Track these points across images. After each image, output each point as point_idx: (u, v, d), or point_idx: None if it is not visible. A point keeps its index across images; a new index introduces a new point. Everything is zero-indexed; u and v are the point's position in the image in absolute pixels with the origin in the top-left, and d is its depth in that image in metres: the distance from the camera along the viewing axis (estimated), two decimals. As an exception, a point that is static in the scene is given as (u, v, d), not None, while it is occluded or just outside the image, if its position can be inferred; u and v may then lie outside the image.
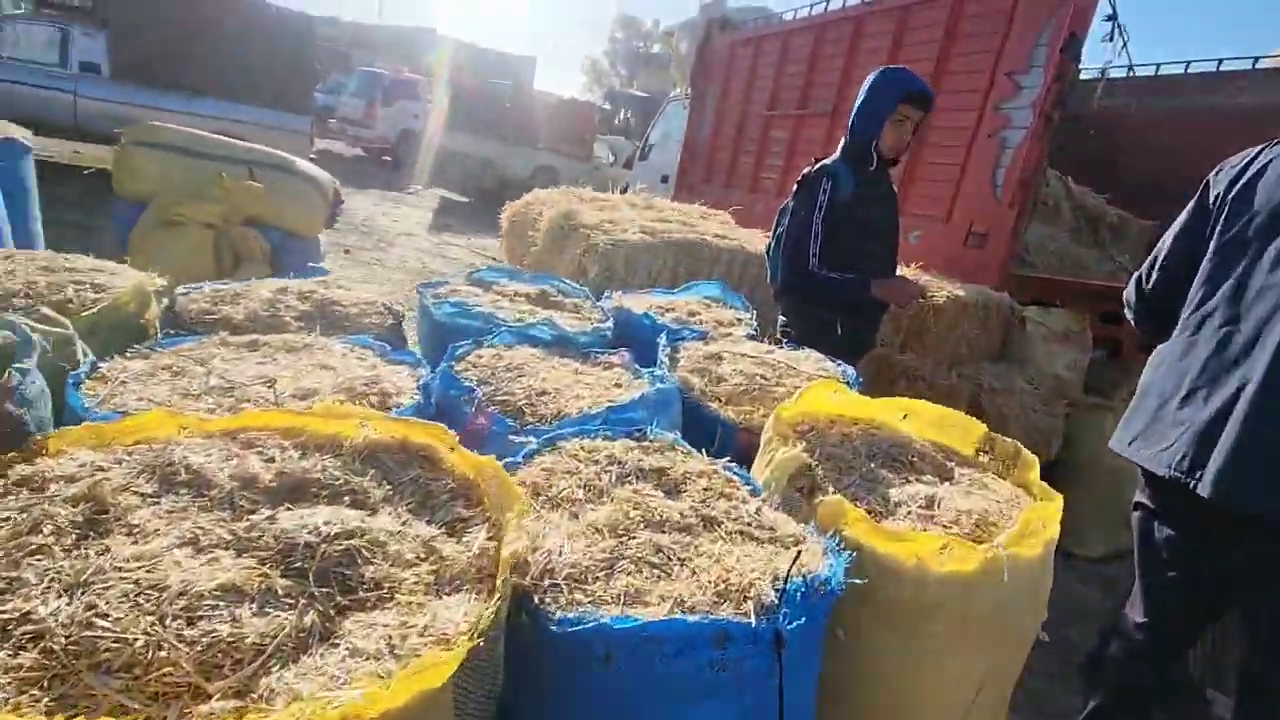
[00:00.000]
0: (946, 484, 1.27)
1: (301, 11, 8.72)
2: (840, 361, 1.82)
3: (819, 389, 1.44)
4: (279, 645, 0.60)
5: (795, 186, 2.13)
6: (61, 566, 0.62)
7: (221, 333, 1.38)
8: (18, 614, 0.57)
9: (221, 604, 0.62)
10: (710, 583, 0.86)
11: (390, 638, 0.63)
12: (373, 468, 0.89)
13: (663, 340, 1.78)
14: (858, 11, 4.07)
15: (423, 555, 0.76)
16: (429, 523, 0.83)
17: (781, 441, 1.30)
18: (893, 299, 2.14)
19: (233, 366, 1.21)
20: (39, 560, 0.63)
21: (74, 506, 0.70)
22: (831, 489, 1.19)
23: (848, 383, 1.68)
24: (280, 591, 0.65)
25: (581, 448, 1.15)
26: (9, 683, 0.52)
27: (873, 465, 1.29)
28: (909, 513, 1.16)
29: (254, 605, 0.63)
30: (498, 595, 0.70)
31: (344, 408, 0.97)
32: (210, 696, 0.55)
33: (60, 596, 0.59)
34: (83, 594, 0.60)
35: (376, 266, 5.97)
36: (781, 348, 1.92)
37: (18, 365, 1.02)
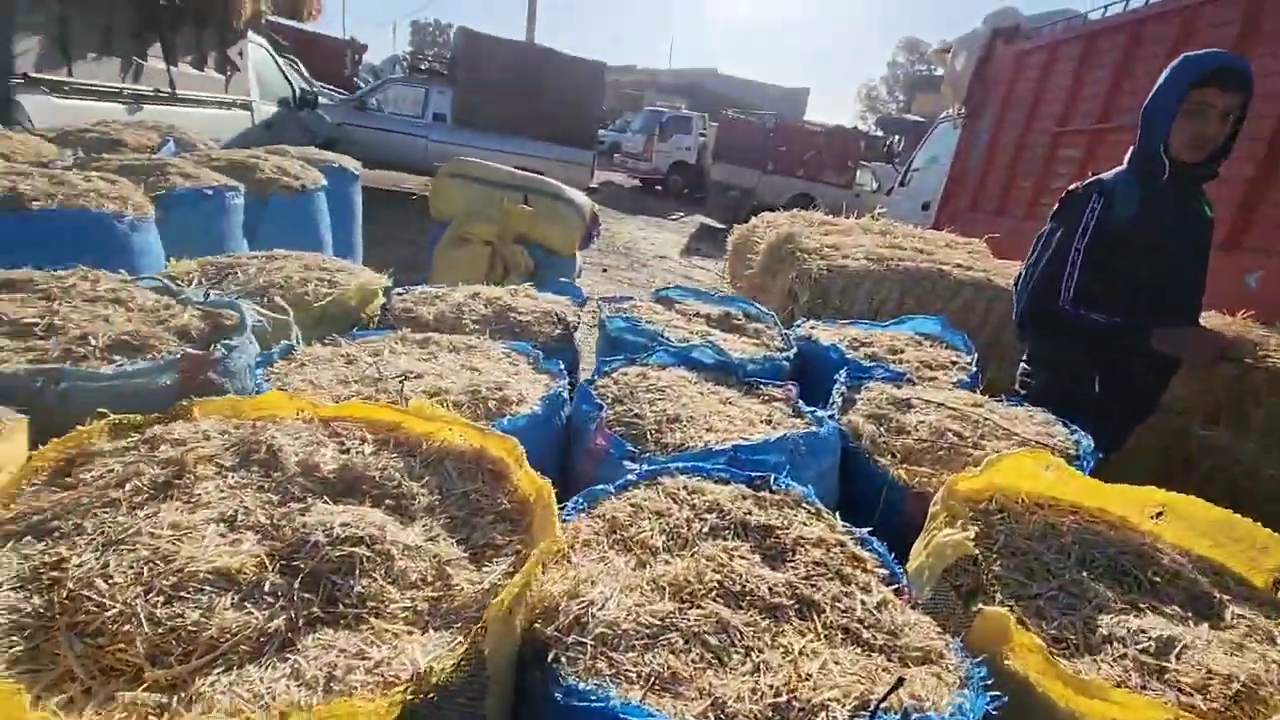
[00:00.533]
0: (1204, 625, 0.87)
1: (596, 60, 9.72)
2: (1079, 429, 1.38)
3: (1023, 459, 1.10)
4: (234, 645, 0.57)
5: (1057, 205, 1.68)
6: (117, 522, 0.67)
7: (405, 329, 1.51)
8: (55, 559, 0.62)
9: (207, 588, 0.61)
10: (770, 689, 0.66)
11: (335, 666, 0.57)
12: (434, 474, 0.85)
13: (841, 377, 1.53)
14: (1193, 0, 3.24)
15: (430, 578, 0.69)
16: (460, 543, 0.76)
17: (948, 520, 1.00)
18: (1183, 354, 1.58)
19: (394, 360, 1.29)
20: (104, 512, 0.69)
21: (161, 469, 0.76)
22: (1002, 596, 0.87)
23: (1078, 457, 1.27)
24: (267, 588, 0.63)
25: (683, 487, 1.00)
26: (1, 624, 0.55)
27: (1084, 576, 0.94)
28: (1124, 656, 0.81)
29: (235, 596, 0.61)
30: (470, 643, 0.60)
31: (434, 410, 0.95)
32: (143, 684, 0.53)
33: (94, 551, 0.63)
34: (110, 552, 0.63)
35: (626, 285, 6.33)
36: (1002, 401, 1.53)
37: (225, 341, 1.19)
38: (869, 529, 0.98)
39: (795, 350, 1.75)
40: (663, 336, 1.65)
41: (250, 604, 0.61)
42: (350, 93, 11.12)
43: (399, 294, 1.77)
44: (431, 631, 0.64)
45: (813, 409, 1.37)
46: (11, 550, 0.63)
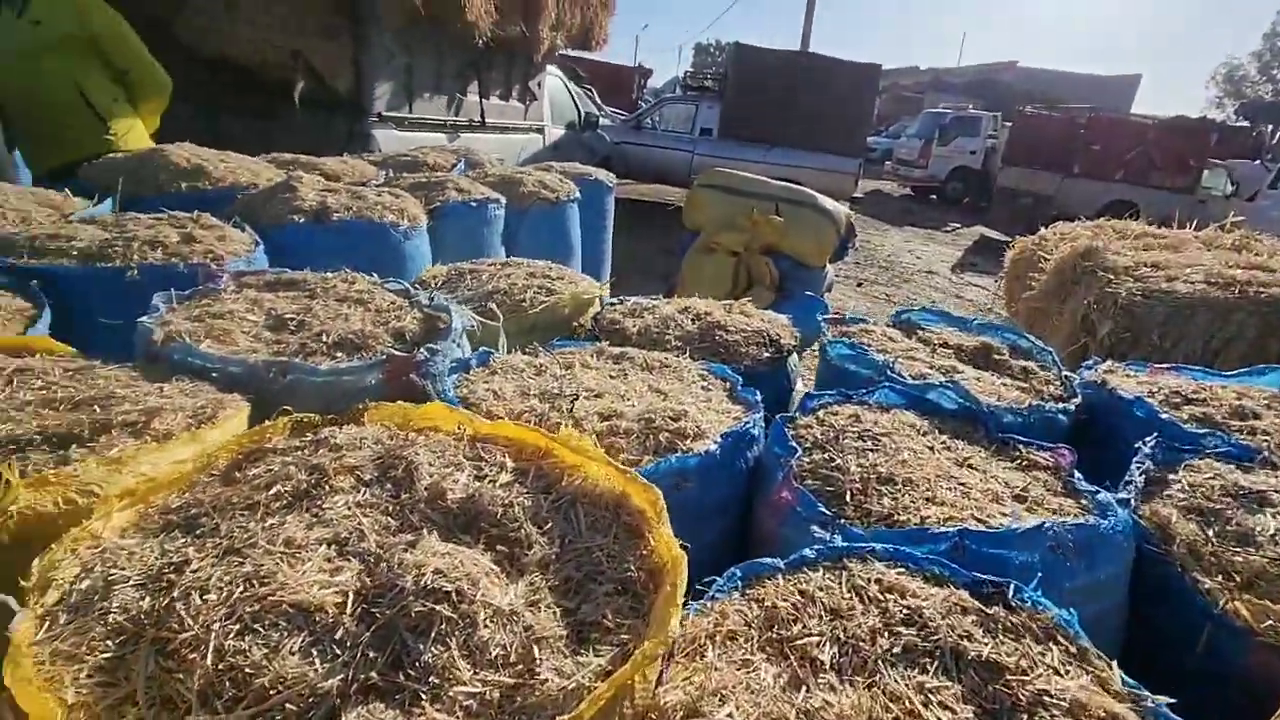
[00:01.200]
0: None
1: (869, 63, 9.12)
2: None
3: None
4: (281, 702, 0.50)
5: None
6: (245, 528, 0.66)
7: (604, 342, 1.44)
8: (180, 560, 0.62)
9: (282, 624, 0.55)
10: None
11: (361, 760, 0.46)
12: (561, 520, 0.73)
13: (1147, 446, 1.10)
14: None
15: (512, 659, 0.56)
16: (565, 614, 0.62)
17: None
18: None
19: (581, 375, 1.22)
20: (242, 515, 0.68)
21: (307, 475, 0.75)
22: None
23: None
24: (339, 634, 0.56)
25: (877, 579, 0.75)
26: (99, 632, 0.55)
27: None
28: None
29: (306, 638, 0.55)
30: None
31: (582, 442, 0.83)
32: (183, 727, 0.48)
33: (212, 559, 0.62)
34: (223, 563, 0.61)
35: (882, 301, 5.77)
36: None
37: (429, 345, 1.22)
38: (1171, 700, 0.63)
39: (1079, 401, 1.32)
40: (892, 369, 1.36)
41: (316, 651, 0.54)
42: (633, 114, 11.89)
43: (612, 304, 1.72)
44: (492, 734, 0.51)
45: (1095, 488, 0.99)
46: (157, 542, 0.65)
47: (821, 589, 0.74)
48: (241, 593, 0.57)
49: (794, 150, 9.10)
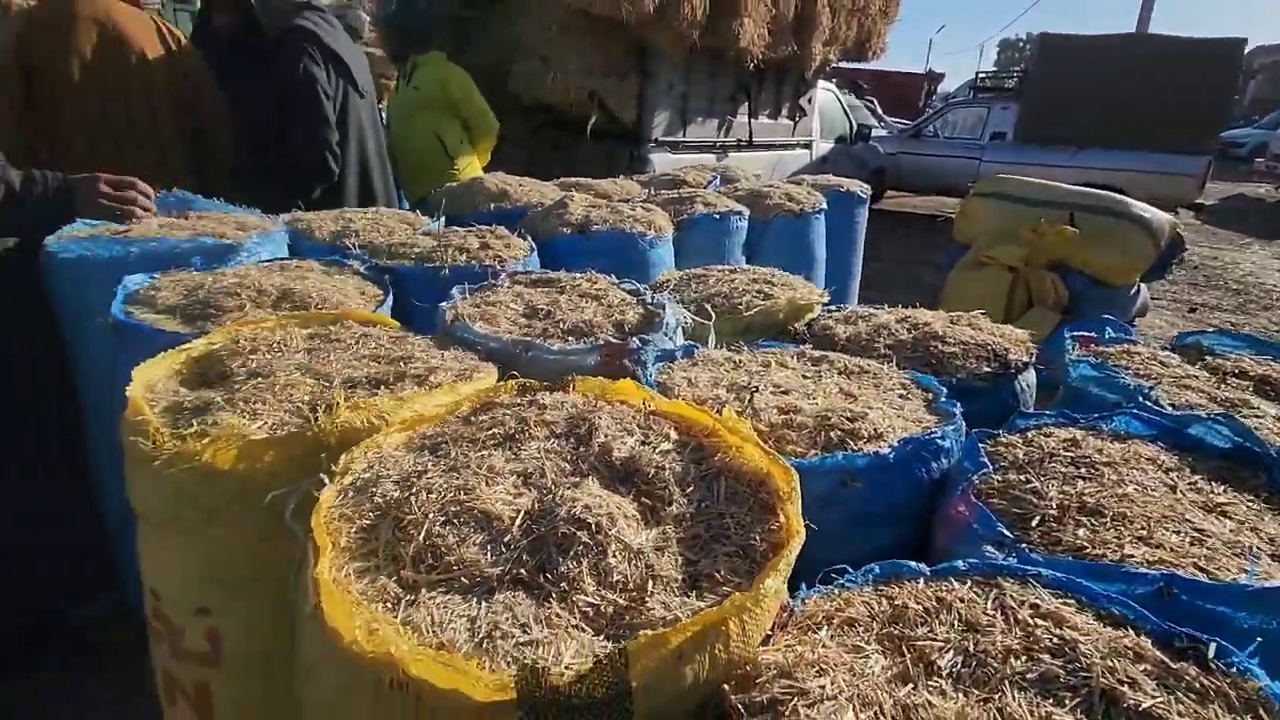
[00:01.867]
0: None
1: (1232, 39, 7.29)
2: None
3: None
4: (459, 575, 0.67)
5: None
6: (467, 455, 0.86)
7: (805, 346, 1.45)
8: (422, 469, 0.83)
9: (472, 524, 0.72)
10: None
11: (496, 627, 0.60)
12: (703, 486, 0.80)
13: None
14: None
15: (630, 586, 0.66)
16: (686, 564, 0.70)
17: None
18: None
19: (771, 374, 1.26)
20: (468, 445, 0.88)
21: (516, 424, 0.93)
22: None
23: None
24: (507, 539, 0.71)
25: (1033, 604, 0.68)
26: (366, 507, 0.77)
27: None
28: None
29: (484, 536, 0.71)
30: (609, 665, 0.54)
31: (739, 423, 0.89)
32: (396, 577, 0.67)
33: (440, 471, 0.82)
34: (448, 474, 0.81)
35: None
36: None
37: (641, 335, 1.37)
38: None
39: None
40: (1146, 396, 1.14)
41: (489, 547, 0.70)
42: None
43: (828, 311, 1.71)
44: (600, 638, 0.61)
45: None
46: (412, 456, 0.88)
47: (963, 600, 0.70)
48: (451, 497, 0.76)
49: (1113, 151, 7.69)
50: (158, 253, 1.65)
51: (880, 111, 14.06)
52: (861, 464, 0.95)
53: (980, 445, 1.02)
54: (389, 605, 0.64)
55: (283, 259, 1.82)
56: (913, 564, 0.77)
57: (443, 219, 2.32)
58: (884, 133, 10.15)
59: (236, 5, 2.86)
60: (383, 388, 1.08)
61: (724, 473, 0.83)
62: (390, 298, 1.64)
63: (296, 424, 0.97)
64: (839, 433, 1.02)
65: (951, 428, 1.06)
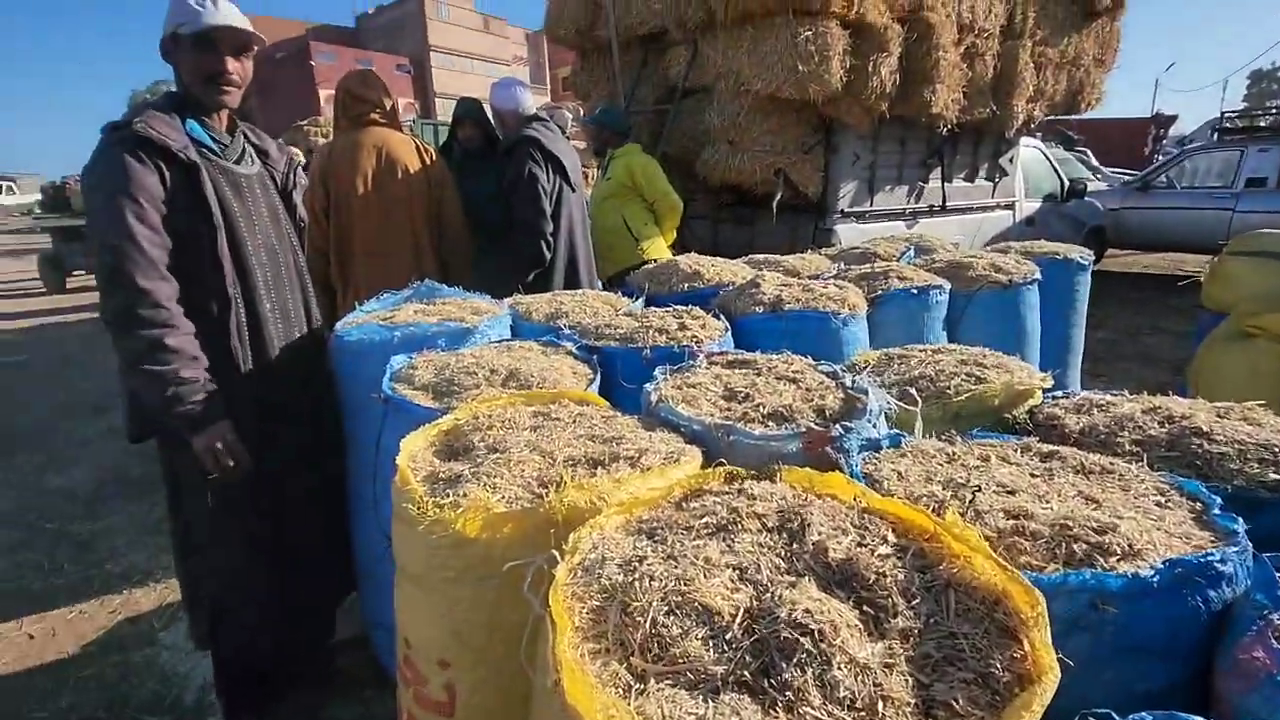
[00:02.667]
0: None
1: None
2: None
3: None
4: (683, 670, 0.69)
5: None
6: (683, 543, 0.89)
7: (1032, 438, 1.31)
8: (642, 554, 0.88)
9: (694, 616, 0.75)
10: None
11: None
12: (930, 599, 0.75)
13: None
14: None
15: (857, 705, 0.63)
16: (916, 688, 0.65)
17: None
18: None
19: (992, 471, 1.16)
20: (684, 533, 0.92)
21: (728, 513, 0.95)
22: None
23: None
24: (728, 636, 0.72)
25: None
26: (594, 588, 0.83)
27: None
28: None
29: (706, 631, 0.73)
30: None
31: (966, 531, 0.83)
32: (627, 664, 0.71)
33: (659, 558, 0.87)
34: (667, 563, 0.85)
35: None
36: None
37: (845, 422, 1.34)
38: None
39: None
40: None
41: (712, 643, 0.72)
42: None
43: (1054, 397, 1.54)
44: (829, 755, 0.60)
45: None
46: (632, 539, 0.93)
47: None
48: (672, 586, 0.79)
49: None
50: (414, 336, 1.96)
51: (1095, 162, 12.66)
52: (1116, 586, 0.84)
53: (1278, 574, 0.85)
54: (621, 691, 0.68)
55: (508, 340, 2.06)
56: (1196, 719, 0.65)
57: (641, 300, 2.48)
58: (1102, 186, 9.09)
59: (478, 123, 3.42)
60: (599, 468, 1.17)
61: (952, 585, 0.77)
62: (598, 377, 1.78)
63: (529, 499, 1.08)
64: (1084, 546, 0.90)
65: (1234, 549, 0.90)
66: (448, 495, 1.07)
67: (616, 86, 5.38)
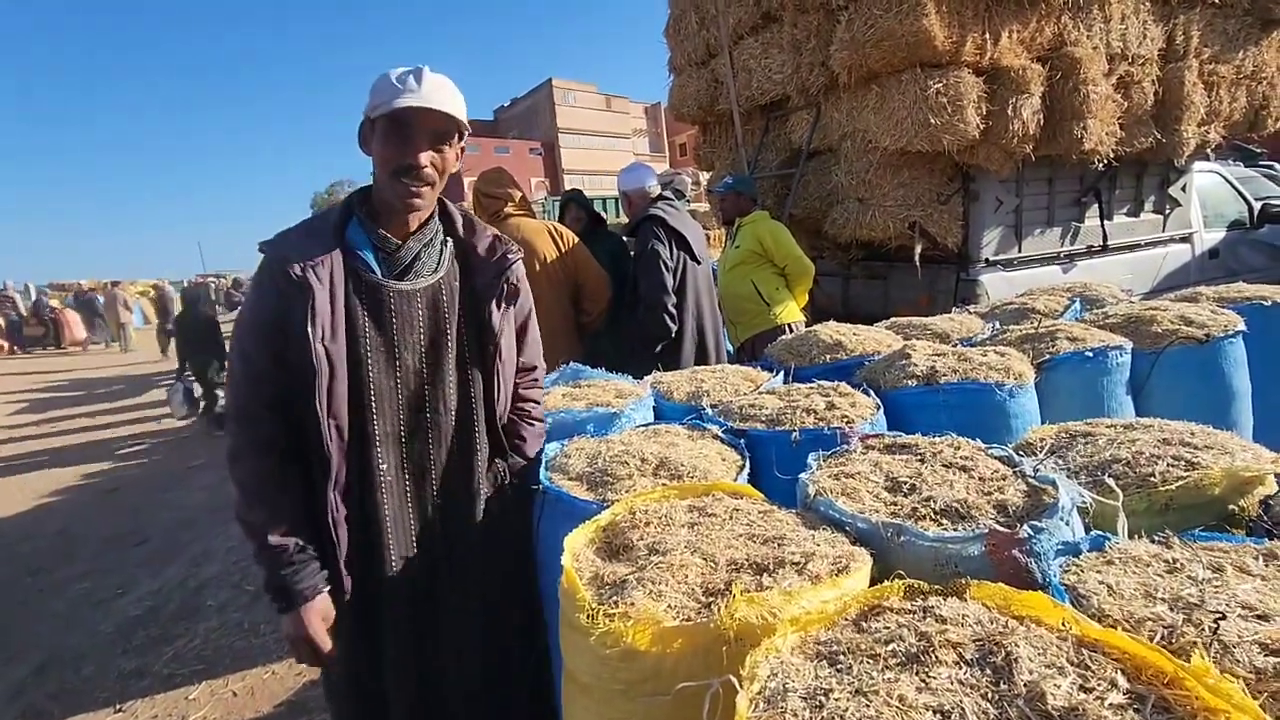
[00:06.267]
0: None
1: None
2: None
3: None
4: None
5: None
6: (870, 674, 0.83)
7: (1277, 543, 1.11)
8: (829, 687, 0.83)
9: (896, 770, 0.69)
10: None
11: None
12: (1190, 773, 0.64)
13: None
14: None
15: None
16: None
17: None
18: None
19: (1230, 585, 0.99)
20: (868, 662, 0.86)
21: (917, 639, 0.88)
22: None
23: None
24: (941, 800, 0.65)
25: None
26: None
27: None
28: None
29: (914, 791, 0.66)
30: None
31: (1224, 684, 0.70)
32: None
33: (848, 692, 0.81)
34: (856, 699, 0.79)
35: None
36: None
37: (1034, 522, 1.21)
38: None
39: None
40: None
41: (922, 807, 0.65)
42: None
43: (1292, 488, 1.30)
44: None
45: None
46: (812, 664, 0.88)
47: None
48: (867, 731, 0.74)
49: None
50: (565, 422, 2.04)
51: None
52: None
53: None
54: None
55: (653, 424, 2.09)
56: None
57: (781, 375, 2.44)
58: (1305, 204, 7.85)
59: (581, 205, 3.75)
60: (764, 574, 1.13)
61: (1215, 755, 0.66)
62: (747, 463, 1.75)
63: (694, 608, 1.06)
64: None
65: None
66: (615, 603, 1.08)
67: (740, 155, 5.49)
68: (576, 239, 3.33)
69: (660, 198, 3.51)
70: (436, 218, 1.55)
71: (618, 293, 3.38)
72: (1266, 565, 1.06)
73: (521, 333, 1.70)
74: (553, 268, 3.20)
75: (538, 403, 1.83)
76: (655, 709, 1.01)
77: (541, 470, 1.76)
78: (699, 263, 3.41)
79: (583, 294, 3.29)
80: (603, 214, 3.89)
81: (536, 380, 1.81)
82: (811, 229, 5.05)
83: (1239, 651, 0.85)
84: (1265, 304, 2.60)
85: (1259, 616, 0.92)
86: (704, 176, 8.82)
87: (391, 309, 1.44)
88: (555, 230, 3.29)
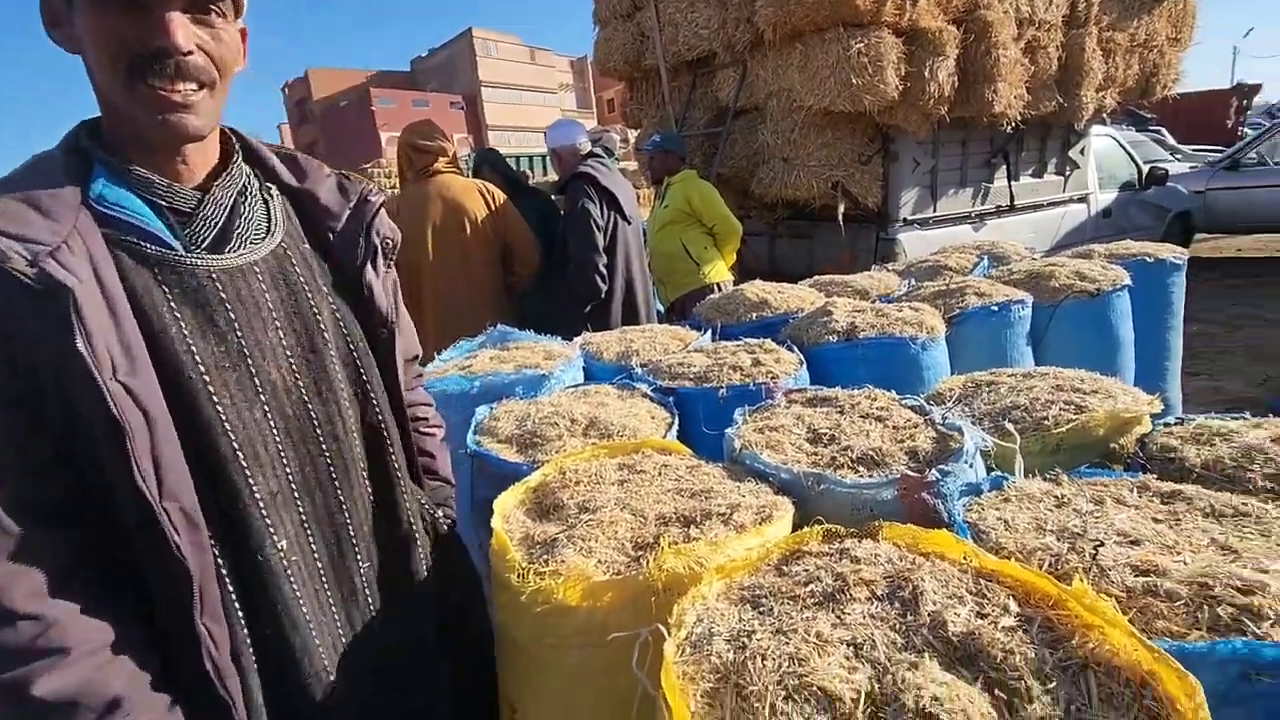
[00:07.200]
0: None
1: None
2: None
3: None
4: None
5: None
6: (789, 614, 0.87)
7: (1150, 475, 1.23)
8: (751, 629, 0.87)
9: (812, 702, 0.73)
10: None
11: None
12: (1071, 683, 0.71)
13: None
14: None
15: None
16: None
17: None
18: None
19: (1110, 516, 1.09)
20: (789, 603, 0.90)
21: (833, 580, 0.93)
22: None
23: None
24: (853, 724, 0.70)
25: None
26: (705, 667, 0.82)
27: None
28: None
29: (825, 717, 0.71)
30: None
31: (1099, 602, 0.77)
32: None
33: (768, 632, 0.85)
34: (776, 638, 0.83)
35: None
36: None
37: (941, 466, 1.29)
38: None
39: None
40: None
41: (835, 733, 0.69)
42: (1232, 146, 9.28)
43: (1167, 426, 1.44)
44: None
45: None
46: (736, 609, 0.92)
47: None
48: (787, 667, 0.77)
49: None
50: (493, 385, 2.01)
51: (1172, 142, 11.90)
52: (1272, 655, 0.77)
53: None
54: (748, 786, 0.66)
55: (583, 384, 2.08)
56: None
57: (709, 333, 2.47)
58: (1184, 168, 8.52)
59: (495, 168, 3.64)
60: (693, 526, 1.16)
61: (1091, 665, 0.73)
62: (676, 421, 1.77)
63: (624, 562, 1.08)
64: (1230, 609, 0.83)
65: None
66: (546, 562, 1.09)
67: (667, 112, 5.43)
68: (506, 199, 3.23)
69: (591, 155, 3.44)
70: (240, 156, 0.97)
71: (547, 253, 3.32)
72: (1140, 496, 1.17)
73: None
74: (484, 228, 3.09)
75: (430, 405, 1.35)
76: (590, 661, 1.03)
77: (469, 434, 1.74)
78: (629, 222, 3.38)
79: (512, 256, 3.21)
80: (528, 172, 3.77)
81: (420, 375, 1.37)
82: (739, 188, 5.08)
83: (1114, 574, 0.94)
84: (1149, 260, 2.82)
85: (1131, 542, 1.02)
86: (633, 135, 8.69)
87: (223, 299, 0.87)
88: (486, 189, 3.18)
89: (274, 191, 1.01)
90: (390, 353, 1.06)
